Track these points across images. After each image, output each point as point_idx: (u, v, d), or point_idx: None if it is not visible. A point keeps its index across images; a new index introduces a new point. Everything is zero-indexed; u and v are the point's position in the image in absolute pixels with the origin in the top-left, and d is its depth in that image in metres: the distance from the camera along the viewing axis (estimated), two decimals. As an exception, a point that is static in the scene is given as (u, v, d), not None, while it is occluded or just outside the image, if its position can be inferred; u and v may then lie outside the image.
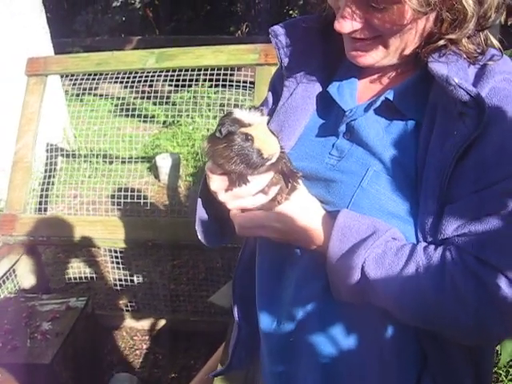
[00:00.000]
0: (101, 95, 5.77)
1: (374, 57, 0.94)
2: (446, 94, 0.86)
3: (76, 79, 3.31)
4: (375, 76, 1.03)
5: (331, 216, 0.93)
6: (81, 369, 2.39)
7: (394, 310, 0.89)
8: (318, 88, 1.06)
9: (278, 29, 1.08)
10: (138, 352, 2.86)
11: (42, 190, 3.66)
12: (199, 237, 1.20)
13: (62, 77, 5.02)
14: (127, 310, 3.07)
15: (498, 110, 0.85)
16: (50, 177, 3.72)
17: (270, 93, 1.20)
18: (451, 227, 0.86)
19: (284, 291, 1.07)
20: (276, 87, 1.18)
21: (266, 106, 1.19)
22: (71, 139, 5.15)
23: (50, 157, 4.27)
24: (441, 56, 0.91)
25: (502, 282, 0.81)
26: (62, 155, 4.66)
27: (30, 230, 2.66)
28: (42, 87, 2.86)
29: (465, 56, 0.91)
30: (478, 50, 0.92)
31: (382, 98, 0.95)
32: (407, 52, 0.93)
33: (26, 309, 2.46)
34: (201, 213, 1.14)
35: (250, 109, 0.89)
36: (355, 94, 1.03)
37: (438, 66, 0.89)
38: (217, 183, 0.94)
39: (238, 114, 0.88)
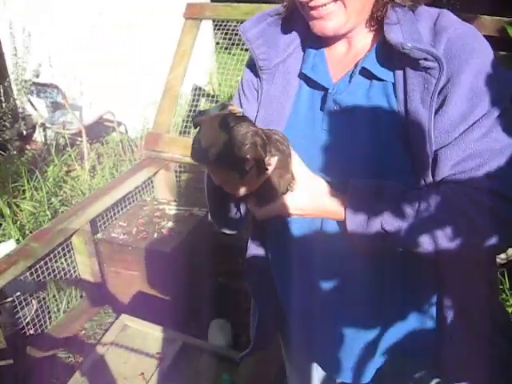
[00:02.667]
0: (247, 49, 6.18)
1: (336, 22, 1.00)
2: (407, 56, 0.94)
3: (226, 32, 3.69)
4: (341, 47, 1.09)
5: (340, 189, 0.98)
6: (194, 265, 2.84)
7: (416, 250, 0.95)
8: (294, 71, 1.12)
9: (245, 25, 1.13)
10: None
11: (185, 122, 4.15)
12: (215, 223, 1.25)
13: (215, 28, 5.49)
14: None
15: (459, 58, 0.94)
16: (192, 111, 4.20)
17: (246, 91, 1.22)
18: (446, 168, 0.94)
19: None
20: (252, 84, 1.21)
21: (241, 104, 1.23)
22: (215, 85, 5.64)
23: (194, 94, 4.77)
24: (393, 16, 0.99)
25: (503, 204, 0.91)
26: (205, 96, 5.15)
27: (169, 148, 3.13)
28: (196, 30, 3.29)
29: (409, 3, 1.00)
30: None
31: (359, 67, 1.02)
32: (365, 12, 1.01)
33: (157, 210, 2.97)
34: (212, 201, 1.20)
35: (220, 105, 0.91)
36: (327, 68, 1.09)
37: (393, 34, 0.97)
38: (217, 178, 0.96)
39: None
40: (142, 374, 2.13)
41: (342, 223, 0.98)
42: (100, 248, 2.81)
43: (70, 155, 4.58)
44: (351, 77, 1.03)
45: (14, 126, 4.82)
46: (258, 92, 1.18)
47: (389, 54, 0.99)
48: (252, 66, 1.17)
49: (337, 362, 1.17)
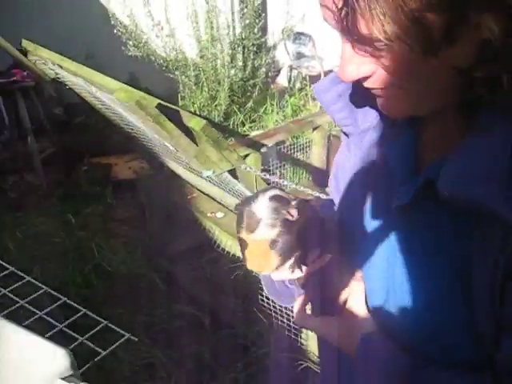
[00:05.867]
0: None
1: (402, 105, 0.75)
2: None
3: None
4: (435, 127, 0.80)
5: None
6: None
7: None
8: (379, 142, 0.88)
9: (320, 85, 0.91)
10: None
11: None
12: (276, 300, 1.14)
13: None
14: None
15: None
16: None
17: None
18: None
19: None
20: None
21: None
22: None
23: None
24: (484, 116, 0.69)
25: None
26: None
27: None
28: None
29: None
30: None
31: (421, 177, 0.75)
32: (439, 99, 0.73)
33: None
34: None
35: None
36: (412, 156, 0.82)
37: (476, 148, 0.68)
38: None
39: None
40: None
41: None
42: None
43: (306, 94, 5.82)
44: (414, 185, 0.76)
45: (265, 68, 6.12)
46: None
47: (469, 168, 0.68)
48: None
49: None
